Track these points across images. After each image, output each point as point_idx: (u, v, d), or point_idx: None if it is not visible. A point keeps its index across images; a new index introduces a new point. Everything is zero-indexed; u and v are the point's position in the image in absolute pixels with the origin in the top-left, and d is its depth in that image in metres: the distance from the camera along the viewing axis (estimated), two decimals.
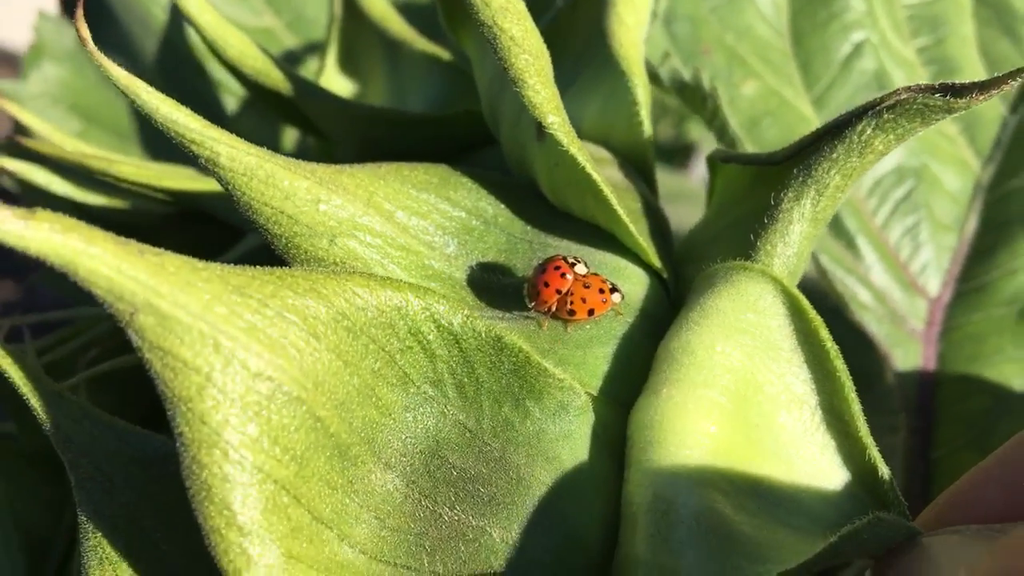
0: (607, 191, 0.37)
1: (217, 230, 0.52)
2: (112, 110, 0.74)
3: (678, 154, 1.17)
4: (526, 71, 0.36)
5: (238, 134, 0.35)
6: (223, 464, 0.28)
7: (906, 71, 0.62)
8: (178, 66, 0.73)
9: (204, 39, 0.46)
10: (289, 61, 0.73)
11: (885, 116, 0.35)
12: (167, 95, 0.34)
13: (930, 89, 0.34)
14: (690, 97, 0.53)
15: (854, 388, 0.34)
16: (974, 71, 0.65)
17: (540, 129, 0.37)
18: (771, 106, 0.59)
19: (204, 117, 0.34)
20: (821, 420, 0.35)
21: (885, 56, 0.62)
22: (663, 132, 1.15)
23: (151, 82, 0.34)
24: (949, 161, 0.60)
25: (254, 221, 0.35)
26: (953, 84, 0.34)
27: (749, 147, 0.57)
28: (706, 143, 1.10)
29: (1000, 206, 0.60)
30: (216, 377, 0.28)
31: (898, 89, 0.35)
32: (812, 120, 0.59)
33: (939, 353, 0.56)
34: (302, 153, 0.66)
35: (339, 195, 0.35)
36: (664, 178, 1.06)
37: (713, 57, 0.59)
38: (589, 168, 0.36)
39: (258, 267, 0.30)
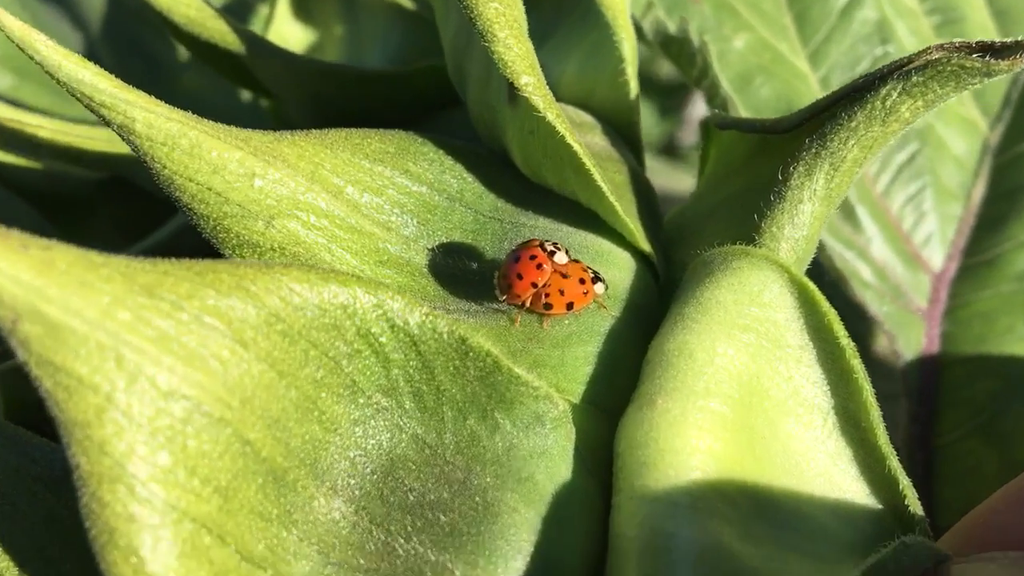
0: (589, 164, 0.32)
1: (158, 199, 0.47)
2: None
3: (676, 92, 1.09)
4: (495, 22, 0.31)
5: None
6: (128, 502, 0.23)
7: (909, 22, 0.57)
8: (118, 15, 0.67)
9: None
10: (238, 10, 0.67)
11: (914, 79, 0.30)
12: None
13: (967, 48, 0.30)
14: (676, 52, 0.48)
15: (873, 391, 0.30)
16: (980, 21, 0.60)
17: (512, 91, 0.32)
18: (764, 61, 0.53)
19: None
20: (834, 426, 0.30)
21: (887, 4, 0.57)
22: (663, 68, 1.06)
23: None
24: (955, 121, 0.55)
25: (177, 199, 0.30)
26: (993, 43, 0.30)
27: (741, 107, 0.52)
28: None
29: (1010, 171, 0.55)
30: (119, 398, 0.23)
31: (929, 48, 0.30)
32: (808, 76, 0.54)
33: (943, 333, 0.52)
34: (255, 115, 0.60)
35: (278, 168, 0.30)
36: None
37: (701, 6, 0.53)
38: (569, 138, 0.31)
39: (174, 260, 0.25)
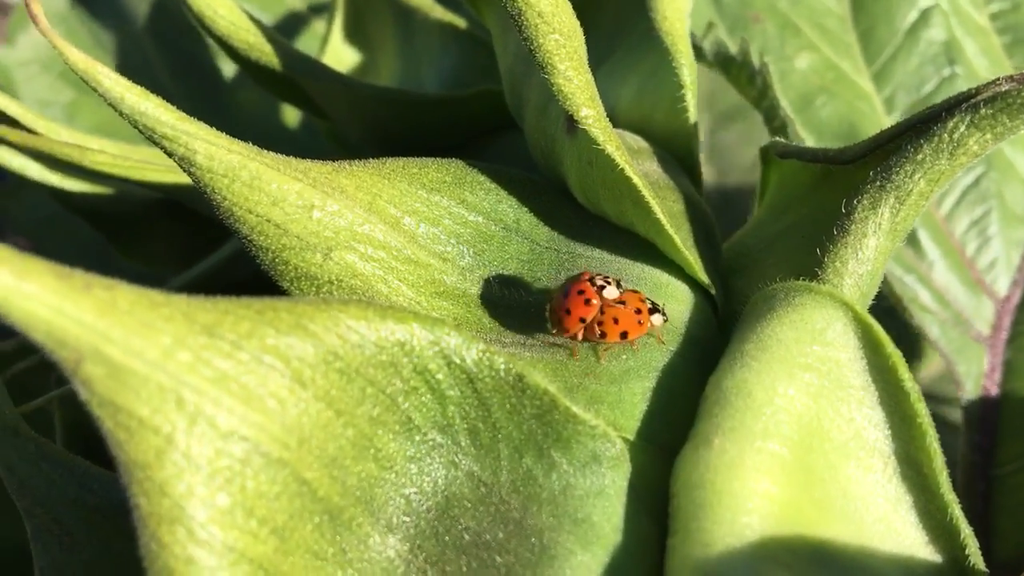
0: (649, 196, 0.31)
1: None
2: None
3: None
4: (556, 54, 0.31)
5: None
6: (187, 544, 0.23)
7: (979, 40, 0.56)
8: (173, 30, 0.67)
9: (190, 10, 0.41)
10: (293, 25, 0.67)
11: (982, 111, 0.29)
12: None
13: None
14: (736, 74, 0.47)
15: (937, 437, 0.29)
16: None
17: (571, 122, 0.31)
18: (827, 81, 0.52)
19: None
20: (895, 471, 0.30)
21: (955, 24, 0.55)
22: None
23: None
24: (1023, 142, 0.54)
25: (236, 230, 0.30)
26: None
27: (801, 128, 0.51)
28: None
29: None
30: (179, 439, 0.23)
31: (999, 79, 0.29)
32: (871, 97, 0.53)
33: (1006, 361, 0.51)
34: (308, 130, 0.60)
35: (337, 200, 0.30)
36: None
37: (764, 25, 0.52)
38: (629, 171, 0.31)
39: (233, 298, 0.25)
